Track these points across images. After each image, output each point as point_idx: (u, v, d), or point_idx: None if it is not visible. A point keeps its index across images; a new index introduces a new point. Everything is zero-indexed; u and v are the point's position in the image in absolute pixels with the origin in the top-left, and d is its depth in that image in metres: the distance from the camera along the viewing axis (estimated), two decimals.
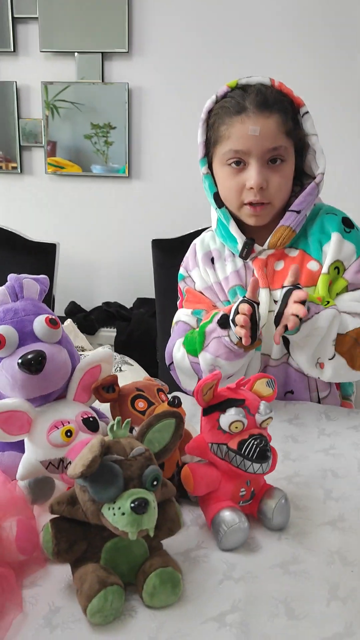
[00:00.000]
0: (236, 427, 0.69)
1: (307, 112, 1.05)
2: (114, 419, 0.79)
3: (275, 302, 1.06)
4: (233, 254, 1.13)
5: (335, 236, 1.07)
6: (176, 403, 0.76)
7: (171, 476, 0.76)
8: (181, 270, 1.21)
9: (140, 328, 2.06)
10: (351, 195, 1.96)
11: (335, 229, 1.08)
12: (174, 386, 1.13)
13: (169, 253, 1.76)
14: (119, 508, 0.57)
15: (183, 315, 1.16)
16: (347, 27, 1.87)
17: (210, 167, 1.10)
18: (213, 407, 0.72)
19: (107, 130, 2.08)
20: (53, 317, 0.71)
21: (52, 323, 0.70)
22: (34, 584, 0.64)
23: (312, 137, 1.06)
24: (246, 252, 1.09)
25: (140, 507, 0.56)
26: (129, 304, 2.25)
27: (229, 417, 0.69)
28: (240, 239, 1.09)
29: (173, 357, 1.13)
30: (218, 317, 1.02)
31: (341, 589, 0.62)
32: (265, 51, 1.92)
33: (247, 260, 1.11)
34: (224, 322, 1.01)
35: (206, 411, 0.72)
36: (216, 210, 1.11)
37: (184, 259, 1.22)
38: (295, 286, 0.97)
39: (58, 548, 0.60)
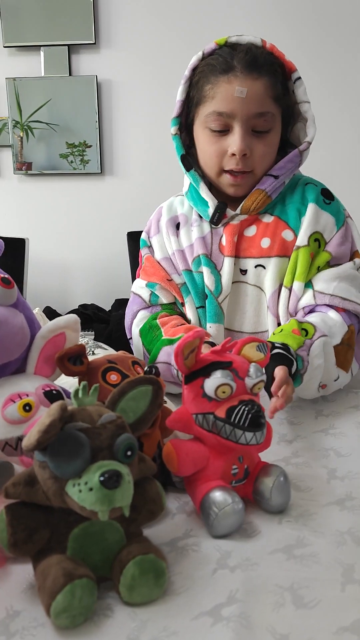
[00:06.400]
0: (223, 392, 0.60)
1: (299, 78, 0.98)
2: None
3: (242, 271, 1.01)
4: (201, 218, 1.06)
5: (312, 207, 1.00)
6: (153, 372, 0.66)
7: (152, 459, 0.66)
8: (143, 236, 1.14)
9: (120, 329, 1.96)
10: (333, 169, 1.90)
11: (312, 199, 1.01)
12: None
13: None
14: (86, 483, 0.47)
15: (138, 287, 1.10)
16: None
17: (186, 128, 1.03)
18: (196, 373, 0.62)
19: (83, 149, 2.01)
20: (5, 276, 0.61)
21: (5, 282, 0.60)
22: None
23: (304, 105, 0.99)
24: (217, 217, 1.02)
25: (110, 480, 0.46)
26: (107, 306, 2.15)
27: (214, 381, 0.60)
28: (212, 203, 1.02)
29: (132, 334, 1.09)
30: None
31: (357, 571, 0.53)
32: None
33: (219, 225, 1.03)
34: None
35: (188, 378, 0.63)
36: (185, 173, 1.04)
37: (147, 223, 1.15)
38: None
39: (14, 538, 0.49)
